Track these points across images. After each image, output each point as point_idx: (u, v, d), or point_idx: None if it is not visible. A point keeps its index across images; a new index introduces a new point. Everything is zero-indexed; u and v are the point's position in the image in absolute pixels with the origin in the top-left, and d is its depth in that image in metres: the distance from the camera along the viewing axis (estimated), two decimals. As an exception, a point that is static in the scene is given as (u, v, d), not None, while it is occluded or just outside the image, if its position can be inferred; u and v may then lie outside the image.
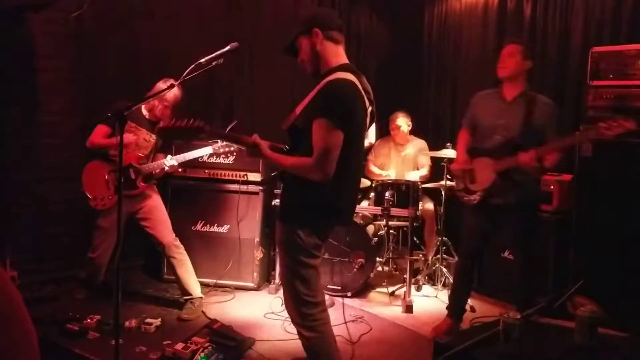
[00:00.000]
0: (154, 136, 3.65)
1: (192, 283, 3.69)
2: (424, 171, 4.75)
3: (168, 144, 3.92)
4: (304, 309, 2.36)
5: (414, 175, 4.64)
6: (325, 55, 2.36)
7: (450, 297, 3.61)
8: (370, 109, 2.44)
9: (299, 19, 2.46)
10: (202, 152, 3.68)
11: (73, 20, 3.97)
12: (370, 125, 2.60)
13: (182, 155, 3.65)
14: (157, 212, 3.68)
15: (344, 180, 2.31)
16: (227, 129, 3.59)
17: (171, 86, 2.99)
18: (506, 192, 3.17)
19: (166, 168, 3.60)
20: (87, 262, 3.68)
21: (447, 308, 3.58)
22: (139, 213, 3.65)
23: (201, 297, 3.74)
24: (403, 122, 4.84)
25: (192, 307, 3.65)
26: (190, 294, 3.67)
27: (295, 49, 2.41)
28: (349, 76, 2.29)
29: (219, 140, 3.53)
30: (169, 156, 3.65)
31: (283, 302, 3.84)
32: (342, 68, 2.33)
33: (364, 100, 2.35)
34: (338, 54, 2.38)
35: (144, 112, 3.63)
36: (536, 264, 3.40)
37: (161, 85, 3.45)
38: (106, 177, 3.56)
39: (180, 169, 3.61)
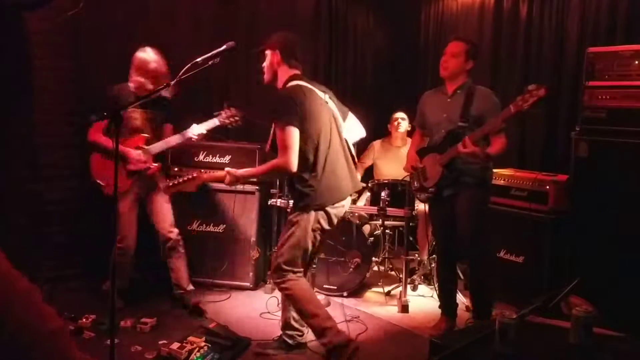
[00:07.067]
0: (149, 111, 3.58)
1: (187, 277, 3.78)
2: None
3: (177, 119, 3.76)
4: (285, 273, 2.88)
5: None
6: (280, 75, 2.89)
7: (439, 296, 3.66)
8: (332, 102, 2.93)
9: (273, 36, 2.98)
10: (215, 123, 3.56)
11: (69, 19, 3.95)
12: (344, 118, 3.04)
13: (207, 122, 3.54)
14: (159, 204, 3.69)
15: (325, 170, 2.80)
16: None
17: (167, 85, 2.98)
18: (454, 182, 3.28)
19: (194, 137, 3.54)
20: (117, 253, 3.49)
21: (439, 307, 3.63)
22: (145, 201, 3.68)
23: (192, 289, 3.80)
24: (405, 122, 4.90)
25: (187, 297, 3.73)
26: (183, 287, 3.74)
27: (264, 54, 2.95)
28: (296, 82, 2.80)
29: (222, 112, 3.54)
30: (194, 124, 3.54)
31: (279, 302, 3.89)
32: (291, 79, 2.84)
33: (317, 97, 2.85)
34: (289, 74, 2.87)
35: (132, 89, 3.53)
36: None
37: (140, 54, 3.50)
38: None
39: (175, 170, 3.59)
